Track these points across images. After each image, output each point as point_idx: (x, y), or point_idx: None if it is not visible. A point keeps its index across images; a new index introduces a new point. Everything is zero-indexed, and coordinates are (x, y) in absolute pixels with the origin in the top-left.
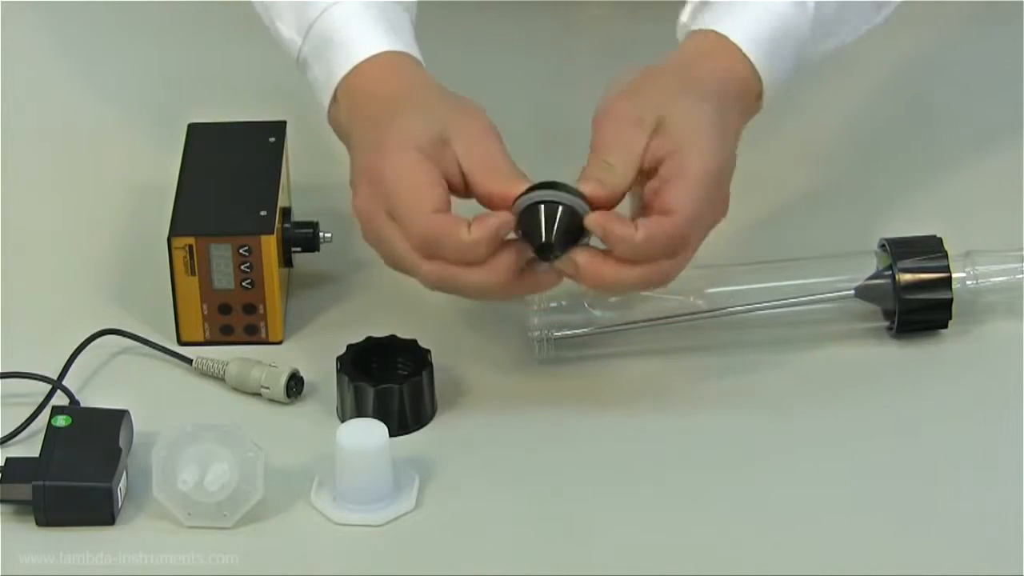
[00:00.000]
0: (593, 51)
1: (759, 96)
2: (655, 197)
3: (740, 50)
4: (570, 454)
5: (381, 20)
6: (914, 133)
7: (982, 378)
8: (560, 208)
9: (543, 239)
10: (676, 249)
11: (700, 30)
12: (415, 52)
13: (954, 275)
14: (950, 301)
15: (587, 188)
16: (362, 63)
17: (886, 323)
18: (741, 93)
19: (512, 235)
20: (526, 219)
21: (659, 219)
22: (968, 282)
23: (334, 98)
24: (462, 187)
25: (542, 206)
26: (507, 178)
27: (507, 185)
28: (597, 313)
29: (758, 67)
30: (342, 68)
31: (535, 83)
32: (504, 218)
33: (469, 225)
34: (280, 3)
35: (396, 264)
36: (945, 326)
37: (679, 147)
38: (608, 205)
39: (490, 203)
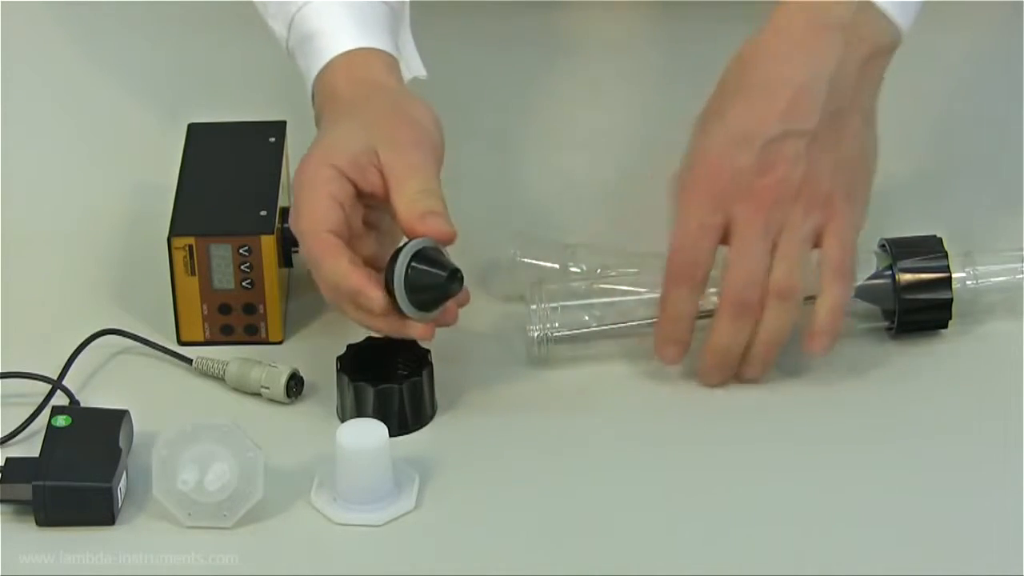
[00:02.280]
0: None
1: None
2: None
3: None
4: (570, 454)
5: (354, 16)
6: (914, 133)
7: (982, 378)
8: (434, 246)
9: (449, 269)
10: None
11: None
12: (388, 47)
13: (954, 275)
14: (950, 301)
15: None
16: (333, 60)
17: (886, 323)
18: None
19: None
20: (422, 265)
21: None
22: (968, 282)
23: (312, 97)
24: (384, 194)
25: (424, 249)
26: (412, 198)
27: (408, 204)
28: (597, 313)
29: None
30: (316, 65)
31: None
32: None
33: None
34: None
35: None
36: (945, 326)
37: None
38: None
39: (394, 214)
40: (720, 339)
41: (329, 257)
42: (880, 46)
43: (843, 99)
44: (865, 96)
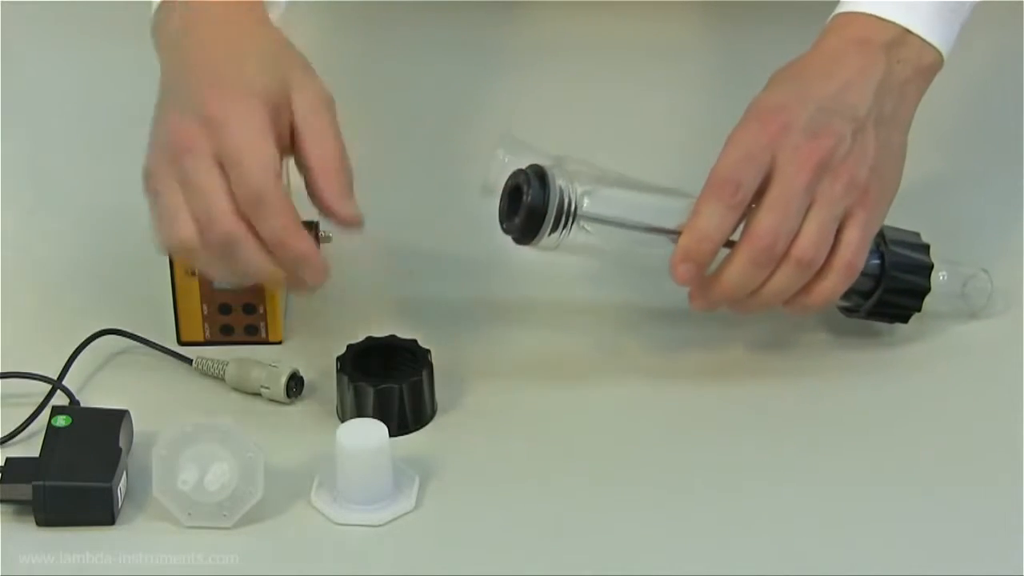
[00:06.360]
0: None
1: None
2: None
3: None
4: (570, 454)
5: None
6: (913, 134)
7: (982, 378)
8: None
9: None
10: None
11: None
12: None
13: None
14: (927, 290)
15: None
16: None
17: (846, 304)
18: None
19: None
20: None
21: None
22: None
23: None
24: (290, 146)
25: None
26: (334, 174)
27: (328, 180)
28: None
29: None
30: None
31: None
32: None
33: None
34: None
35: (195, 208)
36: (907, 319)
37: None
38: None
39: (310, 178)
40: (732, 276)
41: (287, 211)
42: (920, 68)
43: (887, 109)
44: (905, 115)
